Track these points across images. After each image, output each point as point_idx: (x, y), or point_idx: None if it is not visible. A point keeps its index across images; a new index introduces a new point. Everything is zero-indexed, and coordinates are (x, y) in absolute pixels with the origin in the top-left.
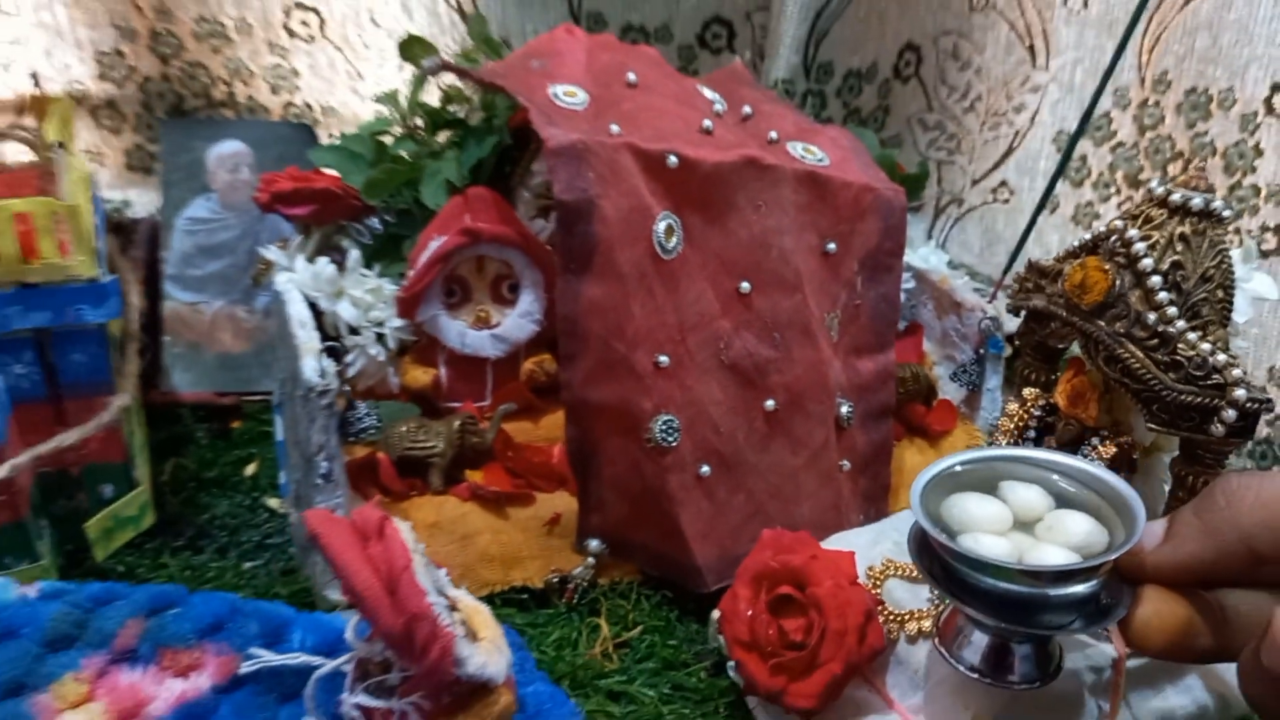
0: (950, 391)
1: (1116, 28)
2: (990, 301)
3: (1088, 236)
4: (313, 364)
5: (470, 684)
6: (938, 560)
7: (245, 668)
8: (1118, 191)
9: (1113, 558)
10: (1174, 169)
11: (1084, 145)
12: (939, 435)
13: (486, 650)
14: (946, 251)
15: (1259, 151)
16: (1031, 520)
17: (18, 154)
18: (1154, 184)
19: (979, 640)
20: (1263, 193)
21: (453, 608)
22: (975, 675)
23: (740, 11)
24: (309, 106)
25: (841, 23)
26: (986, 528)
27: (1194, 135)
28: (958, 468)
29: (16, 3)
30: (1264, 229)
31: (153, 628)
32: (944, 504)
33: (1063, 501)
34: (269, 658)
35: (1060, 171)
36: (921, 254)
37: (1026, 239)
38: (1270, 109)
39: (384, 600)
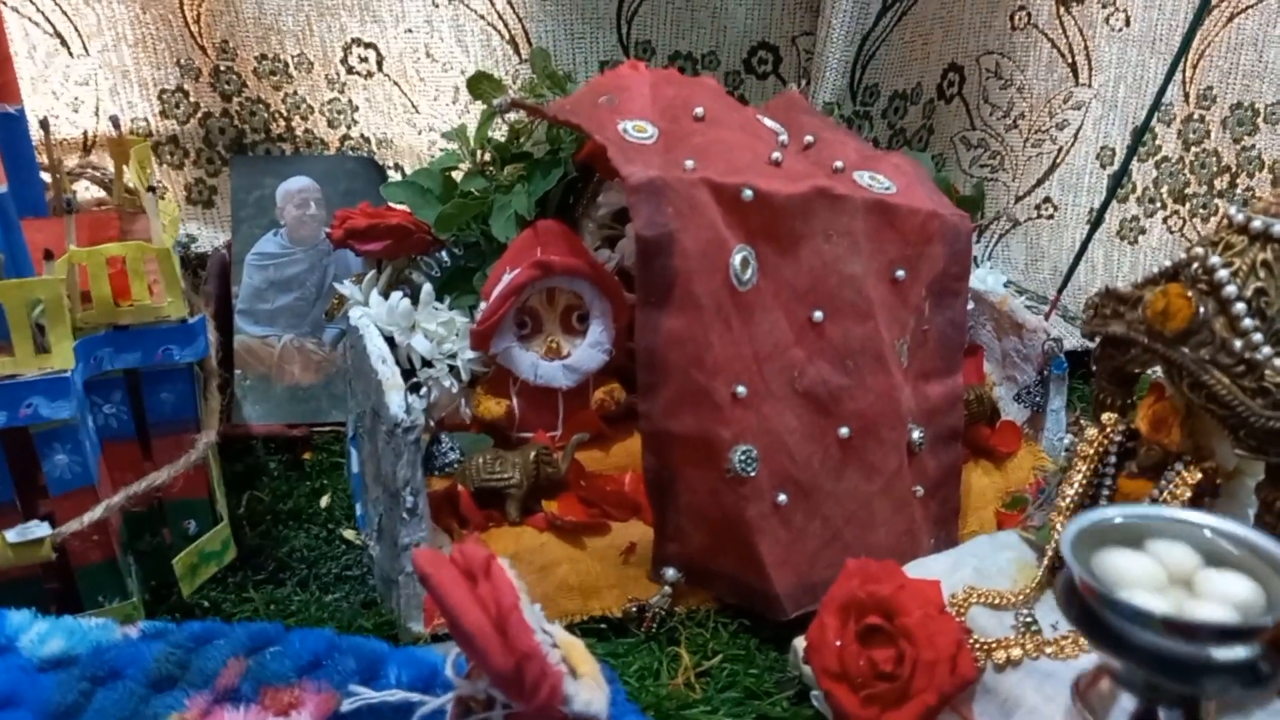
0: (1013, 412)
1: (1159, 44)
2: (1046, 320)
3: (1168, 263)
4: (399, 400)
5: None
6: (1088, 614)
7: (346, 705)
8: (1163, 206)
9: None
10: (1220, 183)
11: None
12: (1004, 457)
13: (589, 686)
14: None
15: None
16: (1183, 578)
17: (84, 192)
18: (1233, 210)
19: (1125, 704)
20: None
21: (553, 645)
22: None
23: (786, 37)
24: (365, 139)
25: (887, 46)
26: (1141, 584)
27: (1240, 149)
28: (1115, 519)
29: (85, 44)
30: None
31: (254, 666)
32: (1093, 558)
33: (1213, 561)
34: (369, 695)
35: (1113, 193)
36: (979, 275)
37: (1081, 258)
38: None
39: (495, 640)
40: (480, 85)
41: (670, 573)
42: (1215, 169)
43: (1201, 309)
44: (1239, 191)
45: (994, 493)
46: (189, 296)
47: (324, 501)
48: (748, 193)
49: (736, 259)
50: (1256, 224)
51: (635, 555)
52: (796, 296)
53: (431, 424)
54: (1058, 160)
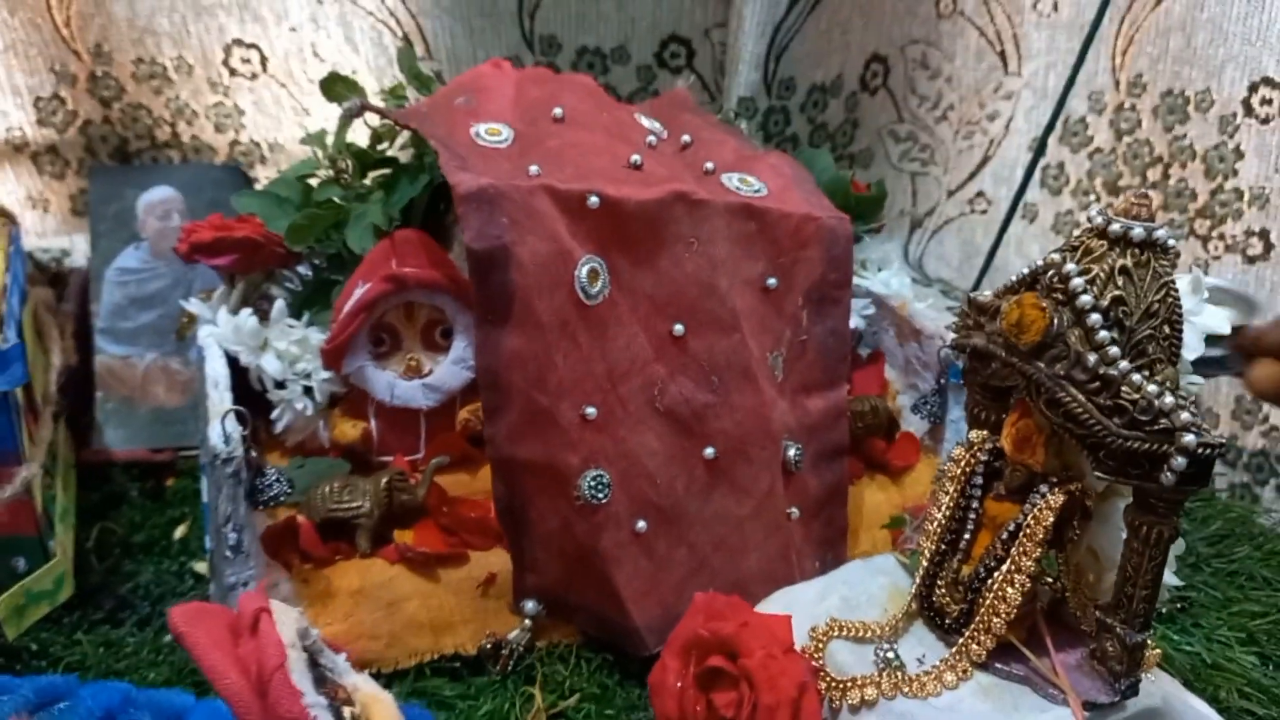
0: (913, 423)
1: (1087, 29)
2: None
3: (1025, 271)
4: (217, 429)
5: None
6: None
7: None
8: (1097, 199)
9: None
10: (1153, 174)
11: (1061, 152)
12: (901, 470)
13: None
14: (924, 268)
15: (1239, 154)
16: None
17: None
18: (1093, 212)
19: None
20: (1245, 196)
21: (346, 701)
22: None
23: (699, 29)
24: (256, 144)
25: (801, 37)
26: None
27: (1172, 139)
28: None
29: None
30: (1248, 233)
31: None
32: None
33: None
34: None
35: (1028, 179)
36: (882, 278)
37: (995, 252)
38: (1249, 109)
39: (254, 705)
40: (334, 87)
41: (530, 605)
42: (1148, 159)
43: (1056, 320)
44: (1172, 183)
45: (890, 509)
46: (39, 314)
47: (179, 532)
48: (594, 199)
49: (583, 271)
50: (1115, 227)
51: (495, 587)
52: (655, 309)
53: (254, 454)
54: (989, 153)
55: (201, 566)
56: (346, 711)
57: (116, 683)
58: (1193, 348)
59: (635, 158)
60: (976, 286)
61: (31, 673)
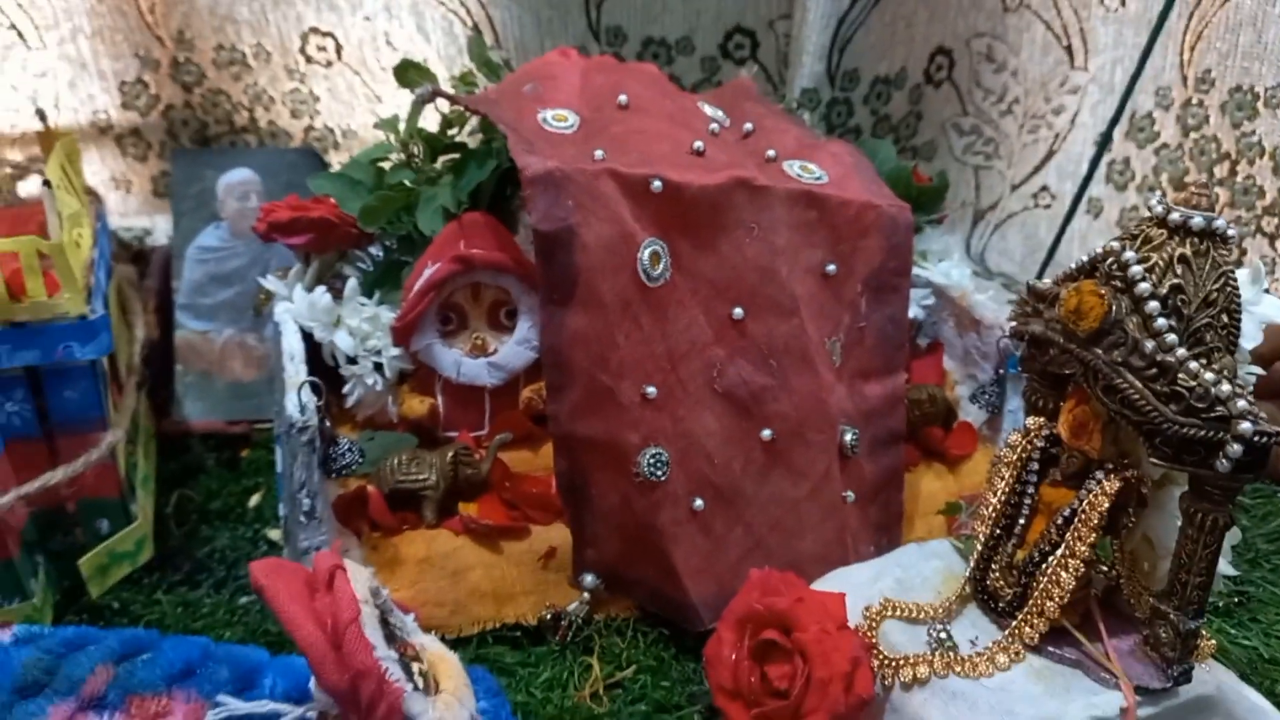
0: (971, 413)
1: (1154, 24)
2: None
3: (1084, 259)
4: (293, 399)
5: None
6: None
7: (211, 716)
8: (1164, 195)
9: None
10: (1220, 170)
11: (1127, 147)
12: (958, 459)
13: (445, 703)
14: (986, 261)
15: None
16: None
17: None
18: (1153, 201)
19: None
20: None
21: (415, 658)
22: None
23: (763, 21)
24: (330, 130)
25: (865, 29)
26: None
27: (1240, 135)
28: None
29: (41, 37)
30: None
31: (122, 674)
32: None
33: None
34: (236, 706)
35: (1091, 173)
36: (942, 268)
37: (1057, 246)
38: None
39: (329, 656)
40: (408, 74)
41: (589, 579)
42: (1215, 156)
43: (1114, 307)
44: (1239, 180)
45: (946, 497)
46: (124, 290)
47: (253, 501)
48: (657, 184)
49: (645, 253)
50: (1175, 216)
51: (555, 560)
52: (715, 292)
53: (328, 425)
54: (1054, 147)
55: (275, 534)
56: (415, 667)
57: (196, 637)
58: (1251, 337)
59: (698, 144)
60: (1040, 275)
61: (114, 629)
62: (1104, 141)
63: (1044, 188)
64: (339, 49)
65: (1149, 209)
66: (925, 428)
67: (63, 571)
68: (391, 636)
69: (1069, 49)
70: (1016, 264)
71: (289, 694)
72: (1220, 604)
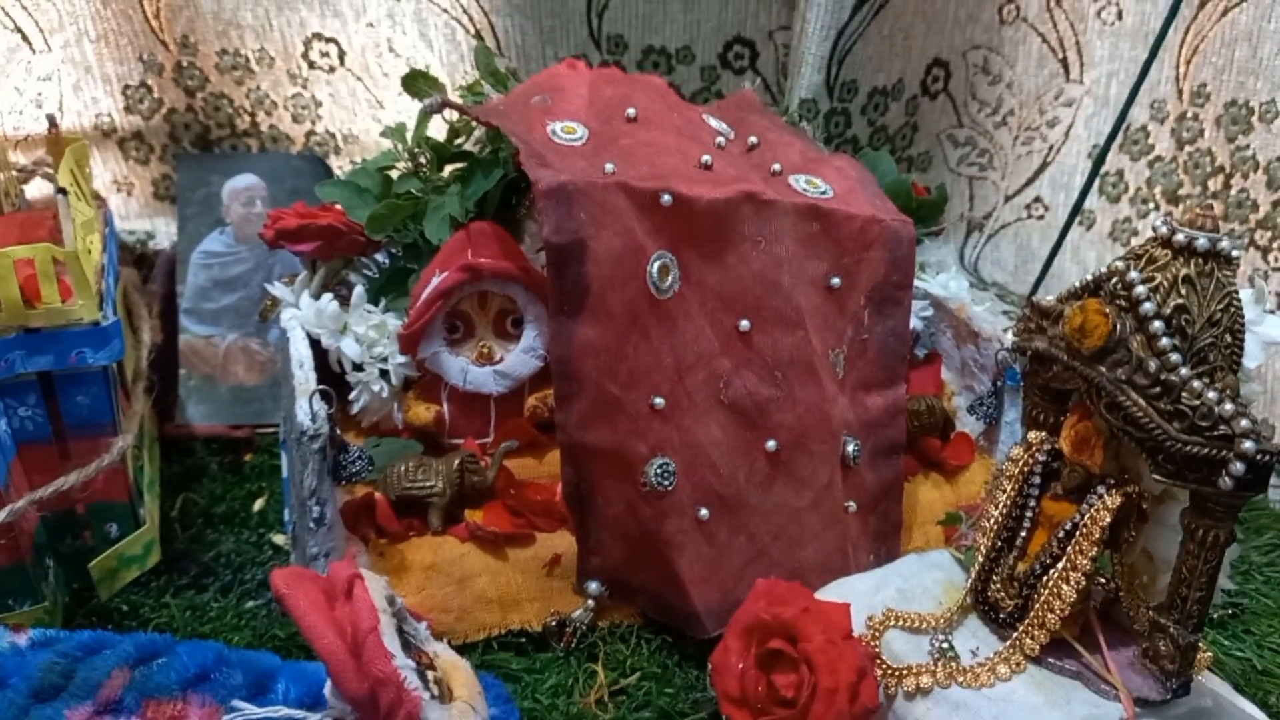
0: (968, 424)
1: (1151, 39)
2: (1011, 330)
3: (1089, 277)
4: (304, 407)
5: None
6: None
7: None
8: (1156, 207)
9: None
10: (1214, 184)
11: (1121, 160)
12: (955, 470)
13: (460, 710)
14: (979, 271)
15: None
16: None
17: (46, 189)
18: (1158, 222)
19: None
20: None
21: (429, 666)
22: None
23: (762, 31)
24: (331, 135)
25: (864, 41)
26: None
27: (1235, 149)
28: None
29: (47, 40)
30: None
31: (138, 678)
32: None
33: None
34: (250, 711)
35: (1088, 186)
36: (940, 280)
37: (1054, 258)
38: None
39: (349, 664)
40: (416, 83)
41: (594, 587)
42: (1209, 169)
43: (1119, 326)
44: (1233, 193)
45: (943, 507)
46: (129, 294)
47: (257, 505)
48: (666, 197)
49: (655, 266)
50: (1180, 237)
51: (560, 567)
52: (722, 304)
53: (337, 432)
54: (1048, 159)
55: (280, 538)
56: (430, 675)
57: (210, 642)
58: (1254, 356)
59: (706, 158)
60: (1034, 291)
61: (124, 632)
62: (1101, 156)
63: (1037, 199)
64: (342, 55)
65: (1153, 229)
66: (923, 438)
67: (72, 575)
68: (407, 645)
69: (1064, 62)
70: (1009, 274)
71: (302, 699)
72: (1214, 615)
